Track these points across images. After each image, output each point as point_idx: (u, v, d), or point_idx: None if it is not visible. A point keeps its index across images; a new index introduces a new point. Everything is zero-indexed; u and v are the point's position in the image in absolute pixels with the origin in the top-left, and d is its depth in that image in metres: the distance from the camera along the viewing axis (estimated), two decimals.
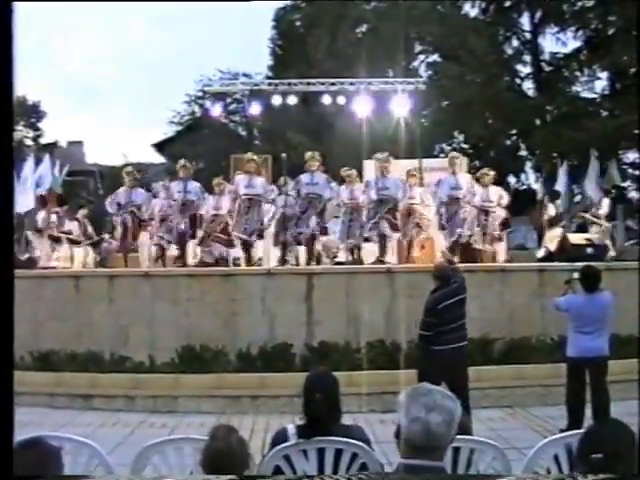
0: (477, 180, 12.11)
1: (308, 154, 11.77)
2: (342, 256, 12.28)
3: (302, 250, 12.02)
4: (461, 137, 27.78)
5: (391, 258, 11.78)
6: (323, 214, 11.78)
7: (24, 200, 13.74)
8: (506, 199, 12.14)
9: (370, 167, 13.96)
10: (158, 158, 33.80)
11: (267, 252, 12.41)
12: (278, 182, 12.64)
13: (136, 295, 10.18)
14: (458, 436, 2.53)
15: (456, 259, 10.85)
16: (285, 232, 11.79)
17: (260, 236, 11.67)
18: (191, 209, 11.88)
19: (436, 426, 2.34)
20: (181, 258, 11.86)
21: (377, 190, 11.55)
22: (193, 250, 12.34)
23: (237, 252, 12.07)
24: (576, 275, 7.61)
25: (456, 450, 3.62)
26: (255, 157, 12.27)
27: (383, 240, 11.52)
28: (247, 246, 11.59)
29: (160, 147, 33.33)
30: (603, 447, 2.58)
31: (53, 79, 63.38)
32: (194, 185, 11.97)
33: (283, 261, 11.80)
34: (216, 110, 21.12)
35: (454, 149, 26.79)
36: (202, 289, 10.20)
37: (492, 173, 12.10)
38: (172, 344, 9.71)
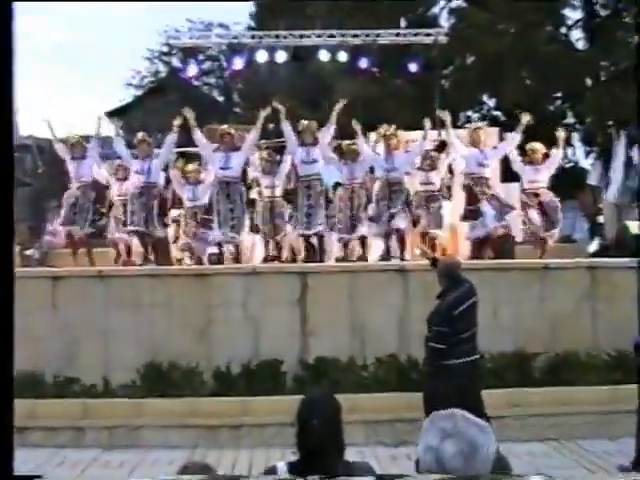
0: (524, 156, 12.09)
1: (303, 124, 11.77)
2: (342, 250, 12.28)
3: (296, 242, 12.06)
4: (492, 102, 27.73)
5: (404, 253, 11.79)
6: (323, 199, 11.73)
7: None
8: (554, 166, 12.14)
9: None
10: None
11: (251, 245, 12.41)
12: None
13: (87, 301, 10.16)
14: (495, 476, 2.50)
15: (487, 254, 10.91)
16: (274, 221, 11.82)
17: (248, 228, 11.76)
18: (153, 194, 11.78)
19: (450, 458, 2.32)
20: (145, 255, 11.79)
21: (384, 171, 11.57)
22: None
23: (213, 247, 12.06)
24: None
25: None
26: (232, 130, 12.23)
27: (398, 235, 11.58)
28: (233, 244, 11.63)
29: (115, 116, 33.25)
30: None
31: None
32: (157, 164, 11.87)
33: (272, 257, 11.81)
34: (188, 69, 21.03)
35: (483, 117, 26.75)
36: (169, 292, 10.20)
37: (542, 148, 12.08)
38: (132, 362, 9.70)
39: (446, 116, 11.90)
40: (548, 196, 11.94)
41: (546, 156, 12.17)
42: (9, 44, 1.89)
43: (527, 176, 11.97)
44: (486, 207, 11.50)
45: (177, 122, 11.84)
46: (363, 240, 11.94)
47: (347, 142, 12.19)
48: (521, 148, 12.22)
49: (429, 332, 7.13)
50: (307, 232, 11.65)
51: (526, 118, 11.86)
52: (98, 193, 12.56)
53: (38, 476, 2.41)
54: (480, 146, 11.79)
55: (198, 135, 11.83)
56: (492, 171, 12.07)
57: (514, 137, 11.99)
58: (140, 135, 12.22)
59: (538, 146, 12.08)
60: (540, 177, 11.94)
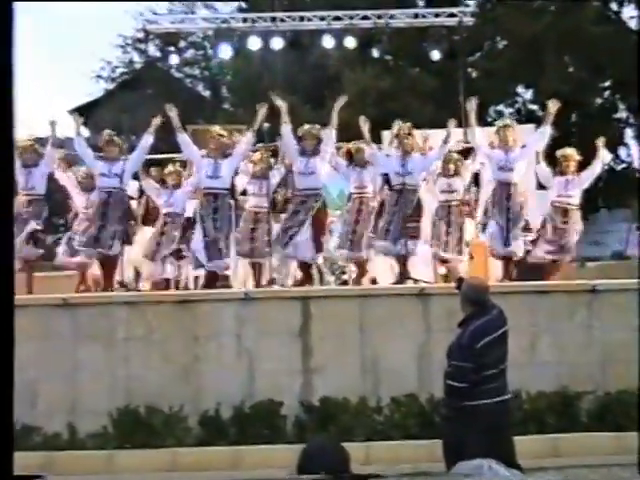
0: (555, 165, 12.14)
1: (304, 128, 11.79)
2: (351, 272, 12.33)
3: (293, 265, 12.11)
4: (528, 94, 27.82)
5: (423, 274, 11.84)
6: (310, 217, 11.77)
7: None
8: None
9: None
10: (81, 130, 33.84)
11: (243, 268, 12.47)
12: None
13: (49, 334, 10.19)
14: None
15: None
16: (254, 241, 11.89)
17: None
18: (121, 203, 11.78)
19: None
20: (109, 277, 11.80)
21: (397, 176, 11.58)
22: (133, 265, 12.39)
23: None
24: None
25: None
26: (224, 132, 12.26)
27: (404, 259, 11.67)
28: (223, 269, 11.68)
29: (82, 114, 33.33)
30: None
31: None
32: (128, 168, 11.84)
33: (269, 281, 11.88)
34: (168, 59, 21.17)
35: (517, 111, 26.81)
36: (148, 323, 10.22)
37: (575, 155, 12.10)
38: (103, 406, 9.72)
39: (472, 106, 11.91)
40: (575, 218, 11.99)
41: (582, 165, 12.14)
42: (9, 43, 2.05)
43: (555, 189, 11.99)
44: (492, 226, 11.61)
45: (156, 122, 11.87)
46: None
47: (354, 142, 12.22)
48: (550, 156, 12.23)
49: (449, 367, 7.16)
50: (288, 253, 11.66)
51: (555, 106, 11.87)
52: (55, 206, 12.58)
53: (39, 476, 2.63)
54: (507, 146, 11.78)
55: (185, 138, 11.81)
56: (524, 175, 12.02)
57: (544, 131, 11.92)
58: (106, 134, 12.14)
59: (571, 152, 12.08)
60: (571, 191, 11.93)
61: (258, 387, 9.93)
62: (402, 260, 11.59)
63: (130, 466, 9.20)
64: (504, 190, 11.63)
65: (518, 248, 11.60)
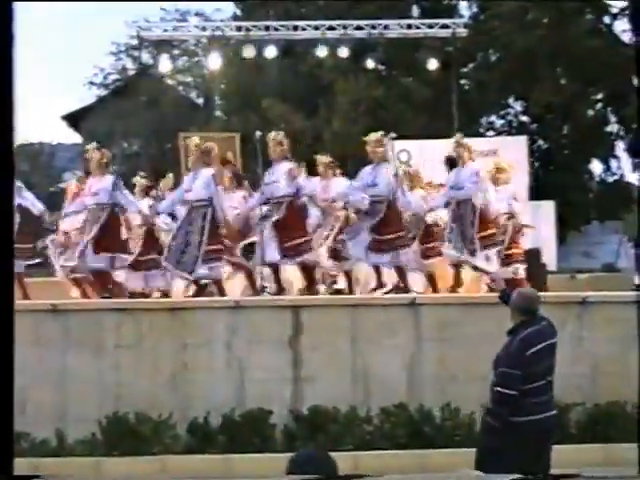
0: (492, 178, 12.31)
1: (319, 160, 12.01)
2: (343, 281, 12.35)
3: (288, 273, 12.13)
4: (518, 105, 27.88)
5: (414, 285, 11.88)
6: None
7: None
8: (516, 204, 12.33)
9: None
10: (72, 136, 33.82)
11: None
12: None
13: (38, 340, 10.16)
14: None
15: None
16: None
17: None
18: (107, 215, 11.76)
19: None
20: (103, 284, 11.80)
21: (364, 188, 11.53)
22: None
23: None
24: None
25: None
26: (199, 141, 12.25)
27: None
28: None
29: (74, 120, 33.29)
30: None
31: None
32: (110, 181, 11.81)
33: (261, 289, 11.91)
34: (160, 66, 21.16)
35: (509, 123, 26.85)
36: (138, 330, 10.21)
37: (507, 166, 12.29)
38: (92, 412, 9.71)
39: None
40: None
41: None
42: (9, 44, 2.08)
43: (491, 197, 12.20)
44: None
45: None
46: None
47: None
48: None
49: (496, 376, 7.04)
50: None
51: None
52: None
53: (38, 476, 2.69)
54: (463, 159, 11.81)
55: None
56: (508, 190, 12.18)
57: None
58: (91, 147, 12.18)
59: (500, 163, 12.25)
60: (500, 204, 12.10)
61: (247, 396, 9.93)
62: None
63: (118, 473, 9.19)
64: (460, 207, 11.66)
65: (485, 262, 11.67)
